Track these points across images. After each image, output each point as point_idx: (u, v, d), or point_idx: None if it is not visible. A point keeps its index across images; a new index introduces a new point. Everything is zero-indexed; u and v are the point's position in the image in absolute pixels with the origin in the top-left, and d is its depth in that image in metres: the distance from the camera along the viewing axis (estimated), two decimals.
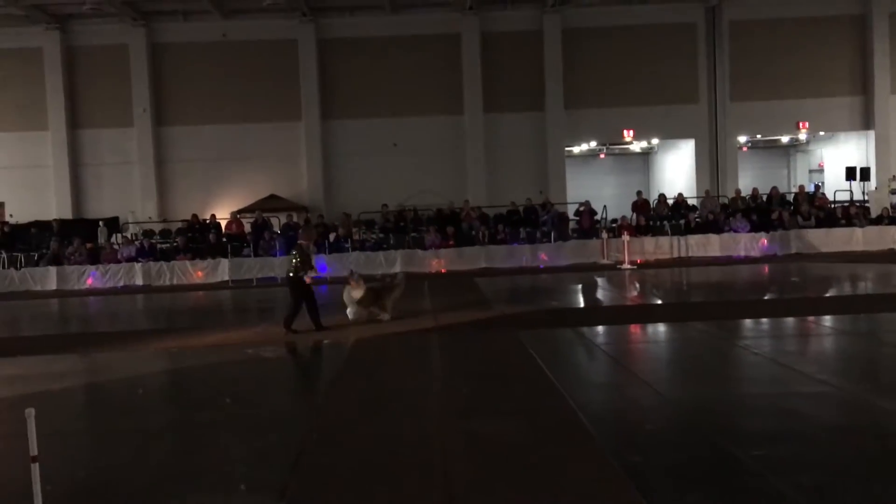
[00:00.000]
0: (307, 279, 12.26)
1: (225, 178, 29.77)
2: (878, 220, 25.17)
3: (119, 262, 23.78)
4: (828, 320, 11.48)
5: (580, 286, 18.84)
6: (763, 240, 24.22)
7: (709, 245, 24.23)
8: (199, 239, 25.21)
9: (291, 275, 12.38)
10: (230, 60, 29.57)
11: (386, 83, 29.64)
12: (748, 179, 31.14)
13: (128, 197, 29.60)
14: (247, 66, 29.54)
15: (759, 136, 32.08)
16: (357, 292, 12.87)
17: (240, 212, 27.48)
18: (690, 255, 24.00)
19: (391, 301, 13.16)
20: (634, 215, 26.01)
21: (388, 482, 5.39)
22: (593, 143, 32.09)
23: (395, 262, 23.44)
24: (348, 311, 12.96)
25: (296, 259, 12.36)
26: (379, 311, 13.02)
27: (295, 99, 29.70)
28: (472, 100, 29.66)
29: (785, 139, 32.70)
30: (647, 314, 13.13)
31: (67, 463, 6.12)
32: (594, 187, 32.24)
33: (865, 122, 30.25)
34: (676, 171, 32.58)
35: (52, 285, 22.99)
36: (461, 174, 29.92)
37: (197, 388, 8.83)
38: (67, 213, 29.04)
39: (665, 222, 25.60)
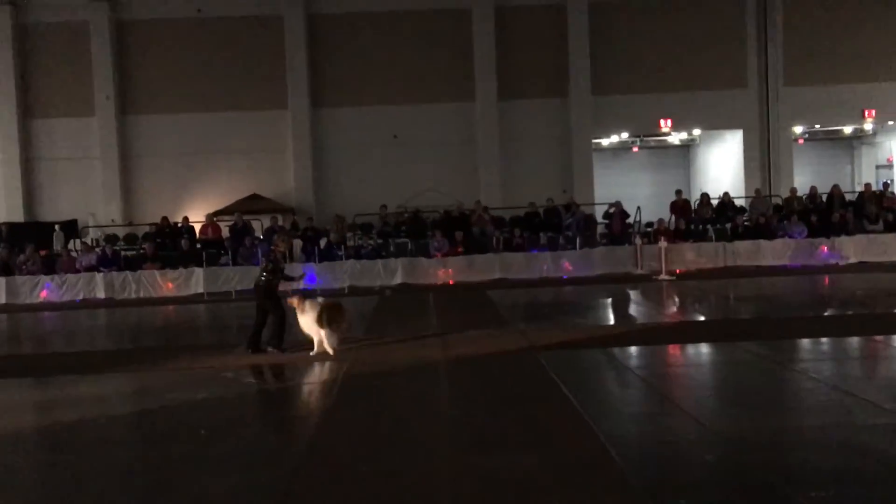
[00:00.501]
0: (288, 290, 12.34)
1: (200, 176, 29.89)
2: None
3: (78, 271, 23.88)
4: None
5: (610, 300, 18.82)
6: (823, 247, 24.14)
7: (759, 253, 24.17)
8: (170, 245, 25.29)
9: (263, 281, 12.45)
10: (206, 40, 29.73)
11: (385, 66, 29.75)
12: (805, 176, 31.06)
13: (88, 197, 29.74)
14: (225, 46, 29.69)
15: (817, 127, 31.99)
16: (310, 314, 11.93)
17: (217, 214, 27.55)
18: (738, 263, 23.93)
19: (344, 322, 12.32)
20: (673, 218, 25.97)
21: None
22: (625, 135, 32.08)
23: (395, 272, 23.49)
24: (321, 340, 11.99)
25: (267, 267, 12.47)
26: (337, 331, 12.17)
27: (280, 84, 29.81)
28: (485, 85, 29.72)
29: (848, 130, 32.58)
30: (687, 333, 13.11)
31: None
32: (626, 185, 32.18)
33: None
34: (722, 166, 32.51)
35: (1, 299, 23.10)
36: (472, 171, 29.94)
37: (167, 418, 8.86)
38: (18, 216, 29.18)
39: (709, 226, 25.53)
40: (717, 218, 26.03)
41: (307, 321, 11.97)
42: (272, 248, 13.00)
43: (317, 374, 11.15)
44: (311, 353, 11.89)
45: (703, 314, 16.42)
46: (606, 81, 29.86)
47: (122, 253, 25.64)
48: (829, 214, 25.29)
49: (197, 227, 26.38)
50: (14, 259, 24.34)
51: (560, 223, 26.13)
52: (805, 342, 11.77)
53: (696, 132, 32.53)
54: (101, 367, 11.87)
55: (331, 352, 11.82)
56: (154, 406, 9.53)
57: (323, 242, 24.78)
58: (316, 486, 6.32)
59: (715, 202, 26.91)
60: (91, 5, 29.57)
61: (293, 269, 15.21)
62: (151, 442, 8.09)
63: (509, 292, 20.52)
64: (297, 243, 24.35)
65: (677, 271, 22.96)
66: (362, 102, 29.73)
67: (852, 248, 24.07)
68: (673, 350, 11.81)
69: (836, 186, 27.25)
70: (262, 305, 12.52)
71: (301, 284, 12.74)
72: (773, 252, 24.20)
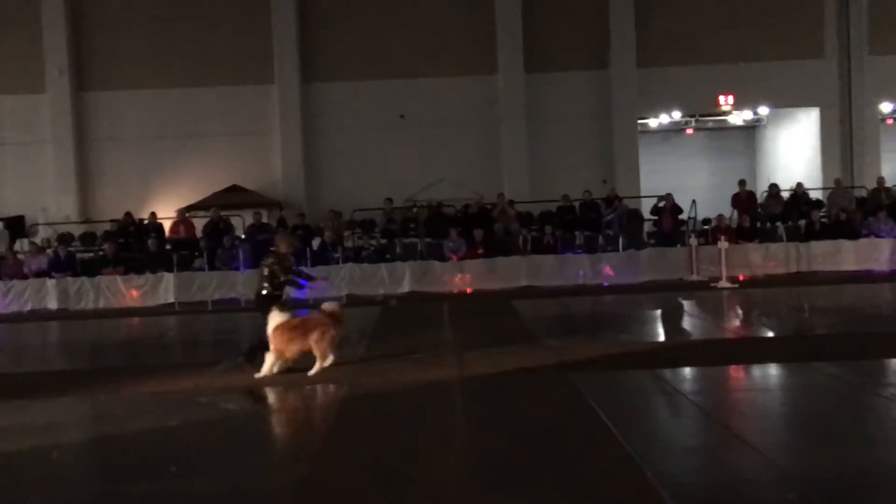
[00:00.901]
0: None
1: (170, 164, 30.00)
2: None
3: (25, 277, 24.00)
4: None
5: (659, 312, 18.78)
6: None
7: (840, 255, 24.05)
8: (135, 246, 25.39)
9: (264, 293, 12.49)
10: (178, 2, 29.84)
11: (390, 32, 29.79)
12: (895, 163, 30.90)
13: (37, 189, 29.87)
14: (200, 10, 29.83)
15: None
16: (272, 322, 12.07)
17: (190, 209, 27.66)
18: (814, 268, 23.82)
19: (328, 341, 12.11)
20: (735, 213, 25.87)
21: None
22: (677, 114, 31.97)
23: (402, 279, 23.49)
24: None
25: (270, 270, 12.48)
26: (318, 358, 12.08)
27: (266, 54, 29.90)
28: (510, 54, 29.71)
29: None
30: (752, 351, 13.06)
31: None
32: (679, 175, 32.08)
33: None
34: (793, 152, 32.37)
35: None
36: (494, 157, 29.95)
37: (132, 451, 8.89)
38: None
39: (778, 224, 25.41)
40: (789, 213, 25.90)
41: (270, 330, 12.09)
42: (273, 249, 13.00)
43: (309, 400, 11.17)
44: (310, 373, 11.89)
45: (771, 329, 16.31)
46: (655, 50, 29.80)
47: (78, 255, 25.75)
48: None
49: (166, 225, 26.48)
50: None
51: (599, 220, 26.06)
52: (895, 363, 11.68)
53: (763, 111, 32.36)
54: (52, 391, 11.91)
55: (261, 374, 11.99)
56: (115, 437, 9.56)
57: (316, 243, 24.80)
58: None
59: (786, 195, 26.77)
60: None
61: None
62: (112, 479, 8.11)
63: (538, 302, 20.49)
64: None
65: (740, 278, 22.87)
66: (363, 76, 29.76)
67: None
68: (735, 372, 11.77)
69: None
70: (264, 317, 12.56)
71: (317, 291, 12.85)
72: (857, 254, 24.07)
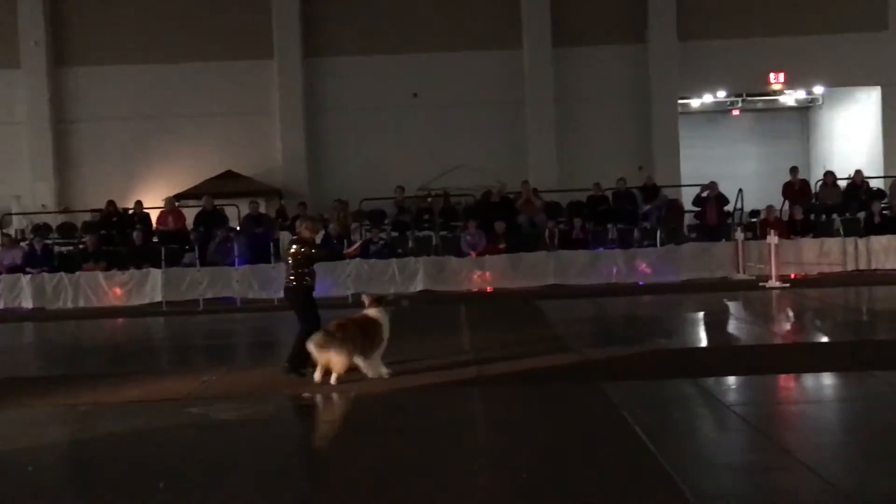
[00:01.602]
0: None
1: (158, 147, 30.12)
2: None
3: None
4: None
5: (701, 315, 18.75)
6: None
7: None
8: (118, 239, 25.47)
9: (293, 284, 12.58)
10: None
11: (404, 1, 29.78)
12: None
13: (11, 175, 30.02)
14: None
15: None
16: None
17: (180, 197, 27.73)
18: (874, 266, 23.79)
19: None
20: (786, 205, 25.78)
21: None
22: (722, 94, 31.90)
23: (414, 276, 23.50)
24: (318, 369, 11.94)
25: (295, 257, 12.54)
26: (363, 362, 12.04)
27: (264, 25, 29.95)
28: (536, 26, 29.70)
29: None
30: (805, 359, 13.02)
31: None
32: (724, 161, 32.01)
33: None
34: (852, 136, 32.24)
35: None
36: (518, 141, 29.94)
37: (115, 466, 8.92)
38: None
39: (834, 216, 25.31)
40: (846, 205, 25.80)
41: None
42: (299, 235, 13.04)
43: (312, 409, 11.19)
44: (331, 381, 11.84)
45: (825, 333, 16.31)
46: (698, 22, 29.74)
47: (56, 249, 25.85)
48: None
49: (153, 215, 26.53)
50: None
51: (635, 211, 26.02)
52: None
53: (818, 90, 32.26)
54: (27, 398, 11.98)
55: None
56: (96, 449, 9.60)
57: (320, 236, 24.85)
58: None
59: (843, 184, 26.66)
60: None
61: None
62: (94, 496, 8.14)
63: (566, 303, 20.51)
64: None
65: (792, 276, 22.81)
66: (372, 50, 29.79)
67: None
68: (785, 381, 11.74)
69: None
70: (297, 313, 12.69)
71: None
72: None
